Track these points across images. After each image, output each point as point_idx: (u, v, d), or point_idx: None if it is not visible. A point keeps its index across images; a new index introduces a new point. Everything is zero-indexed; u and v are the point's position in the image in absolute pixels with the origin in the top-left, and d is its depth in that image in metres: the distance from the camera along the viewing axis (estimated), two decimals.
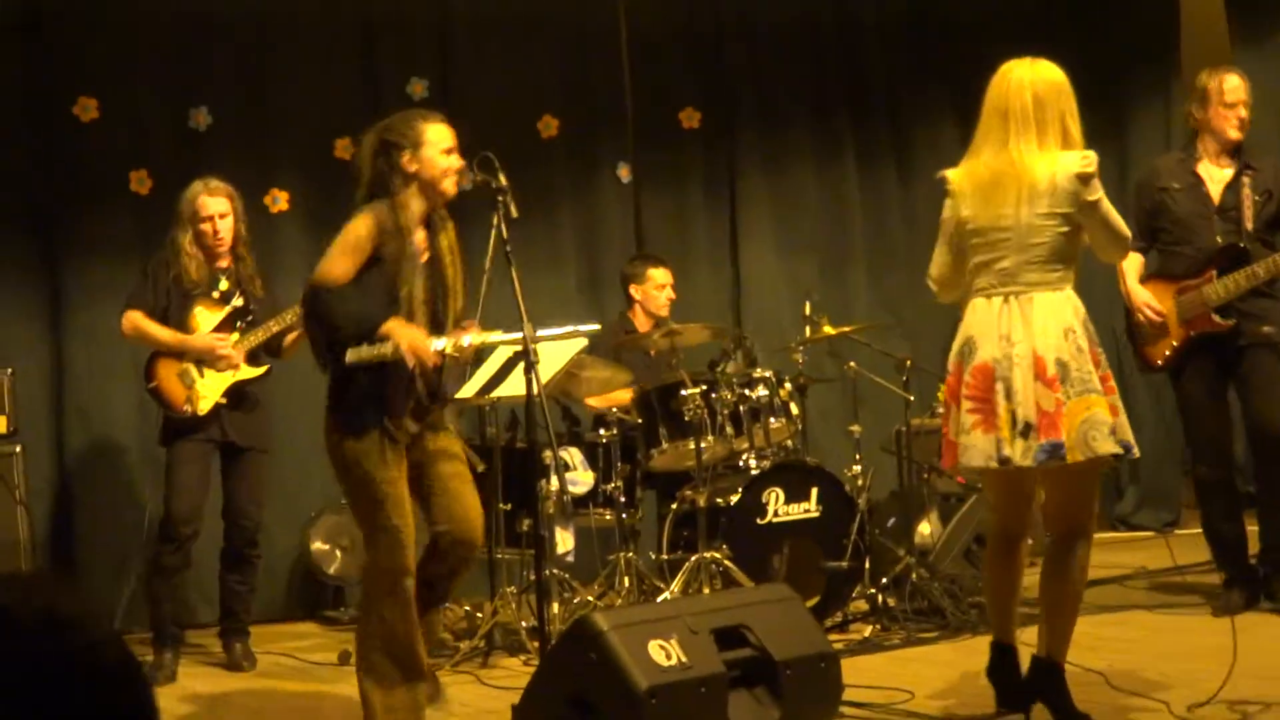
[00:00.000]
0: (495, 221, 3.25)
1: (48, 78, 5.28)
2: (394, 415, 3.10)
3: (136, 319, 4.55)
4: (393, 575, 3.18)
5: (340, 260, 3.08)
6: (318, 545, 5.26)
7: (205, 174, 4.66)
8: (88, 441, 5.39)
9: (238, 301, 4.56)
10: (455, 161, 3.17)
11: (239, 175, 4.87)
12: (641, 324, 5.23)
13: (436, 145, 3.20)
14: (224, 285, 4.58)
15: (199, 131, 5.56)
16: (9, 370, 4.95)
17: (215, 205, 4.51)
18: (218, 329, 4.52)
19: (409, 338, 3.08)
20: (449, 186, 3.18)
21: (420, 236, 3.20)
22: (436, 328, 3.18)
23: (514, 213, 3.24)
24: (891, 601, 4.56)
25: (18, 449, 4.87)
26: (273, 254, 5.30)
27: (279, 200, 5.71)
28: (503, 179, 3.23)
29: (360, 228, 3.10)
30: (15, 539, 4.69)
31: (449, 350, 3.12)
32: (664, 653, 2.99)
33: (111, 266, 5.26)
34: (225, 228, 4.47)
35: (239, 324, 4.55)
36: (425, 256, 3.18)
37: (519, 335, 3.22)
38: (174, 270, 4.49)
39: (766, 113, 6.11)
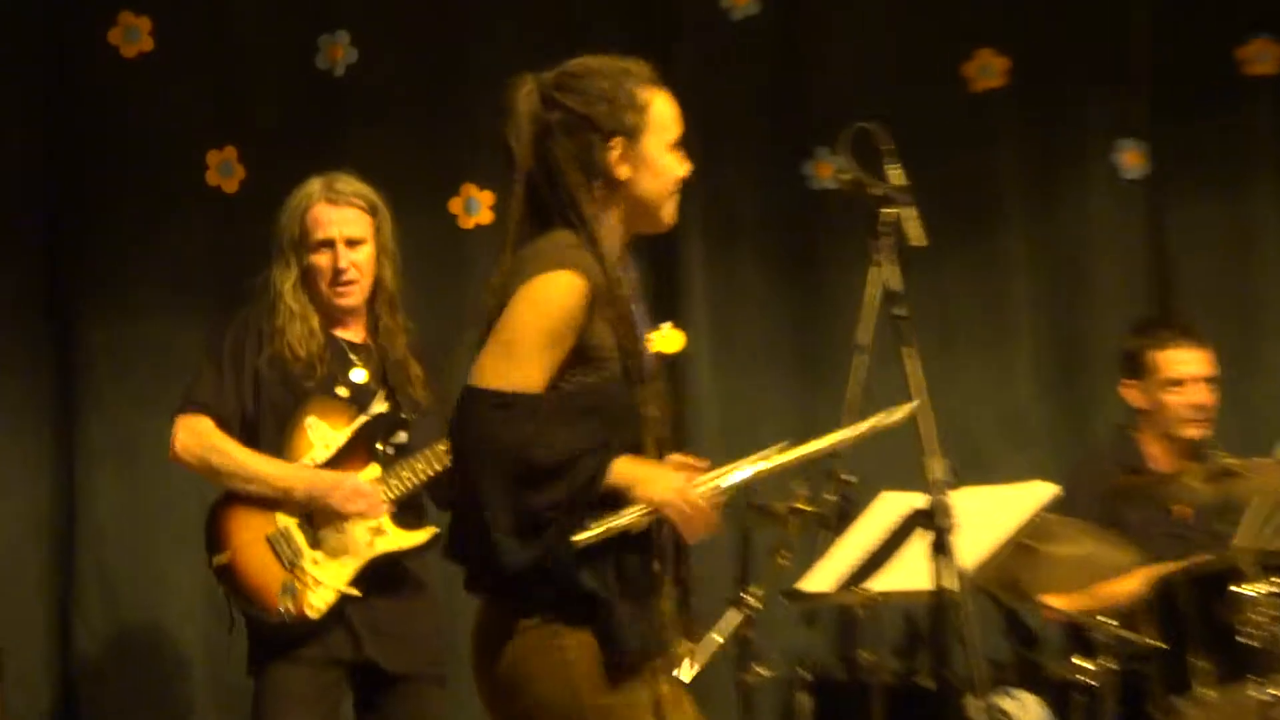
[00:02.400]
0: (875, 256, 3.02)
1: None
2: (661, 631, 2.94)
3: (201, 431, 4.08)
4: None
5: (530, 357, 2.83)
6: None
7: (335, 162, 4.30)
8: (113, 648, 5.12)
9: (380, 405, 4.11)
10: (685, 167, 2.98)
11: (404, 163, 4.96)
12: (1158, 453, 4.71)
13: (665, 132, 2.96)
14: (359, 373, 4.14)
15: (332, 76, 5.25)
16: None
17: (339, 223, 4.09)
18: (343, 457, 4.09)
19: (676, 496, 2.87)
20: (670, 213, 2.97)
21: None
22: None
23: (915, 237, 3.02)
24: None
25: None
26: (460, 303, 4.95)
27: (476, 206, 5.29)
28: (898, 173, 3.02)
29: (562, 295, 2.83)
30: None
31: (723, 494, 2.95)
32: None
33: (161, 330, 5.13)
34: (358, 262, 4.09)
35: (382, 447, 4.11)
36: None
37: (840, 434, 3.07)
38: (269, 344, 4.07)
39: None
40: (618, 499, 2.91)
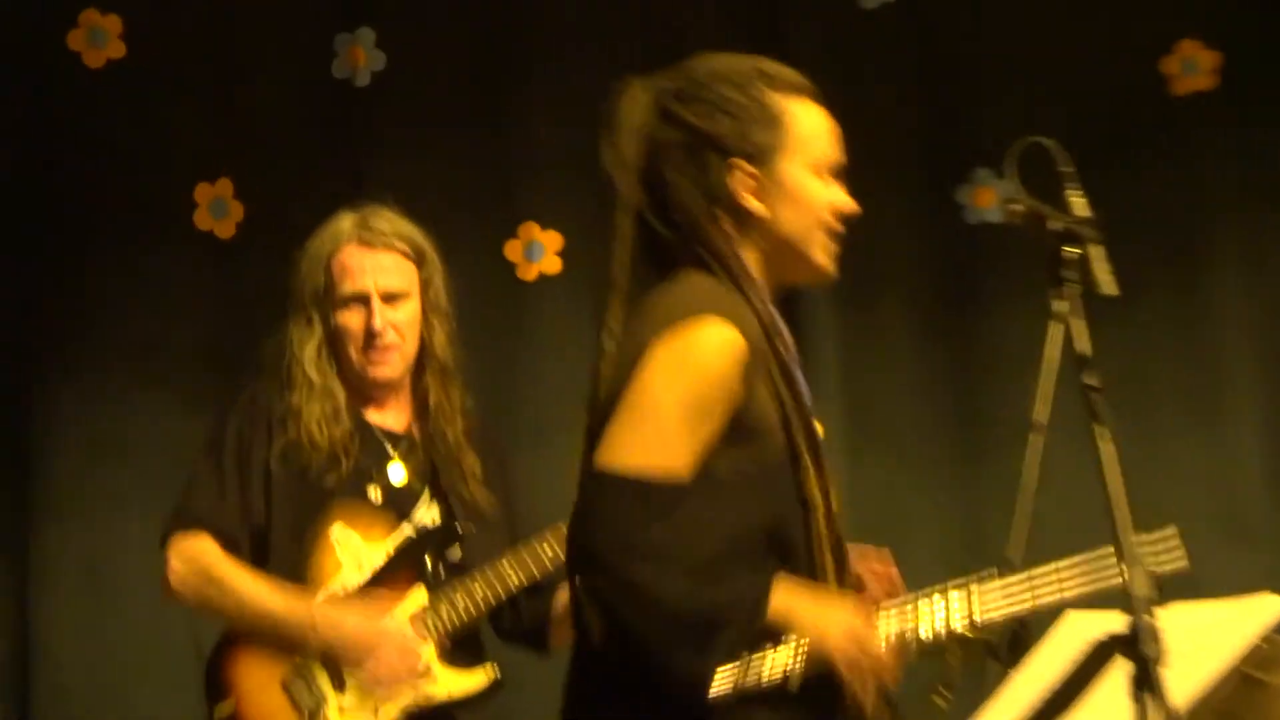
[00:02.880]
0: (1055, 309, 2.97)
1: None
2: None
3: (199, 556, 4.10)
4: None
5: (675, 432, 2.84)
6: None
7: (357, 197, 4.36)
8: None
9: (428, 513, 4.18)
10: (842, 196, 3.03)
11: (447, 197, 5.07)
12: None
13: (808, 151, 3.01)
14: (397, 470, 4.21)
15: (353, 86, 5.37)
16: None
17: (375, 271, 4.10)
18: (381, 579, 4.11)
19: (849, 642, 2.87)
20: (824, 259, 3.02)
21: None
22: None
23: (1106, 284, 2.97)
24: None
25: None
26: (519, 375, 5.18)
27: (540, 251, 5.36)
28: (1082, 201, 2.98)
29: (713, 351, 2.87)
30: None
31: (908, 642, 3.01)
32: None
33: (135, 415, 5.24)
34: (399, 323, 4.07)
35: (431, 567, 4.13)
36: None
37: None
38: (282, 431, 4.10)
39: None
40: (783, 634, 2.91)
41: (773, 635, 2.89)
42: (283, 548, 4.13)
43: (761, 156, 2.96)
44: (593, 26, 5.39)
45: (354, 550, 4.16)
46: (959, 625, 3.07)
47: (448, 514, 4.19)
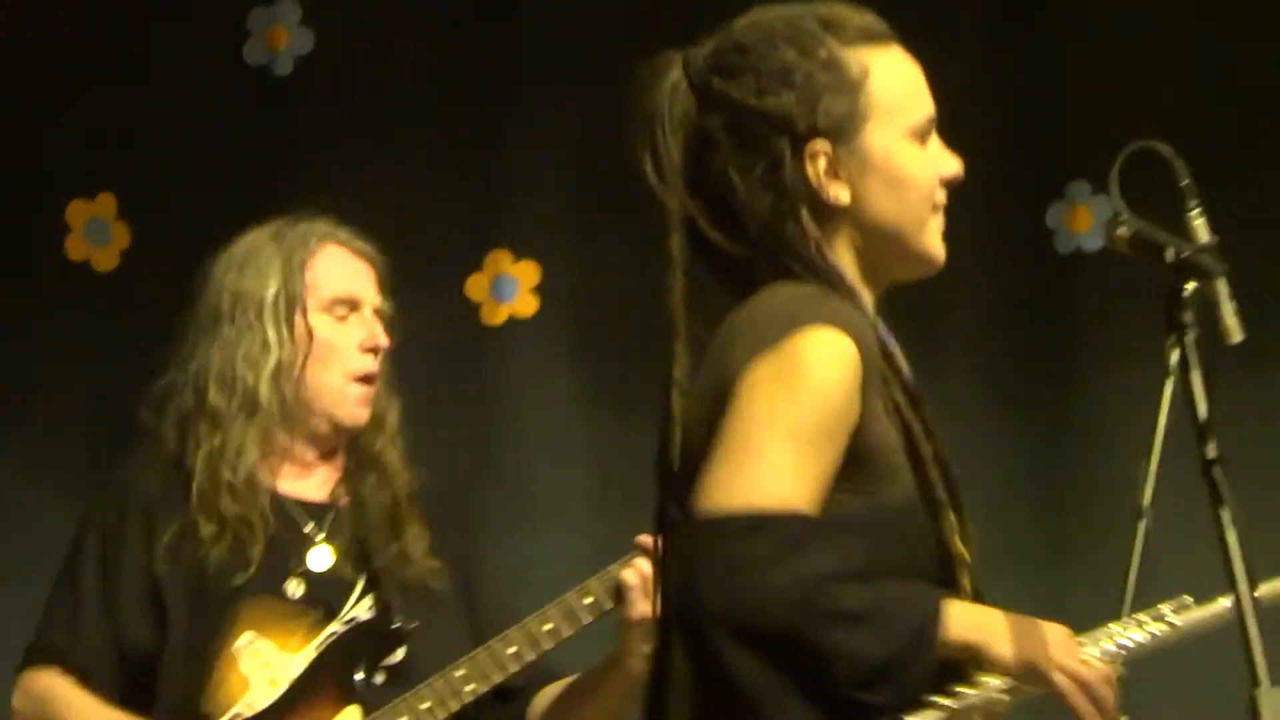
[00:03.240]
0: (1171, 359, 3.05)
1: None
2: None
3: (42, 695, 4.22)
4: None
5: (789, 456, 2.88)
6: None
7: (285, 210, 4.42)
8: None
9: (360, 607, 4.22)
10: (948, 159, 3.10)
11: (391, 217, 4.96)
12: None
13: (901, 113, 3.03)
14: (321, 555, 4.24)
15: (271, 74, 5.46)
16: None
17: (367, 280, 4.29)
18: (300, 696, 4.17)
19: (1065, 655, 2.96)
20: (934, 243, 3.08)
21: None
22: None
23: (1232, 328, 3.03)
24: None
25: None
26: (493, 440, 5.30)
27: (512, 288, 5.40)
28: (1203, 224, 3.08)
29: (827, 364, 2.90)
30: None
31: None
32: None
33: None
34: (380, 334, 4.26)
35: (365, 676, 4.18)
36: None
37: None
38: (170, 517, 4.15)
39: None
40: (959, 667, 2.92)
41: (955, 665, 2.92)
42: (175, 669, 4.08)
43: (842, 131, 2.91)
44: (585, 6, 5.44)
45: (266, 662, 4.09)
46: (1150, 638, 3.08)
47: (385, 607, 4.15)
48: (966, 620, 2.89)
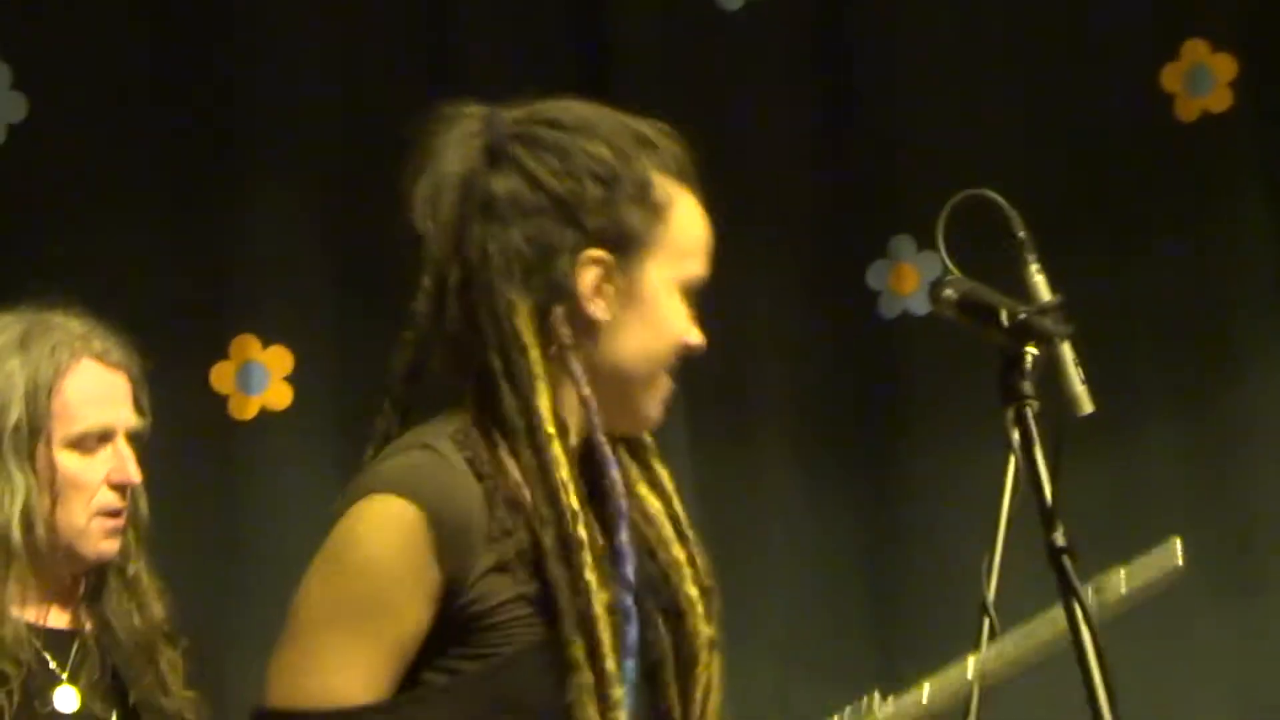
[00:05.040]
0: (1012, 439, 3.09)
1: None
2: None
3: None
4: None
5: (334, 646, 2.99)
6: None
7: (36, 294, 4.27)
8: None
9: None
10: (696, 331, 3.12)
11: (119, 297, 4.84)
12: None
13: (684, 260, 3.10)
14: (66, 697, 4.08)
15: None
16: None
17: (120, 400, 4.14)
18: None
19: None
20: (655, 405, 3.11)
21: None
22: None
23: (1081, 400, 3.17)
24: None
25: None
26: (242, 548, 5.23)
27: (261, 378, 5.36)
28: (1043, 281, 3.20)
29: (373, 538, 3.02)
30: None
31: None
32: None
33: None
34: (132, 468, 4.13)
35: None
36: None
37: None
38: None
39: None
40: None
41: None
42: None
43: (628, 249, 2.91)
44: (341, 56, 5.39)
45: None
46: None
47: None
48: None
